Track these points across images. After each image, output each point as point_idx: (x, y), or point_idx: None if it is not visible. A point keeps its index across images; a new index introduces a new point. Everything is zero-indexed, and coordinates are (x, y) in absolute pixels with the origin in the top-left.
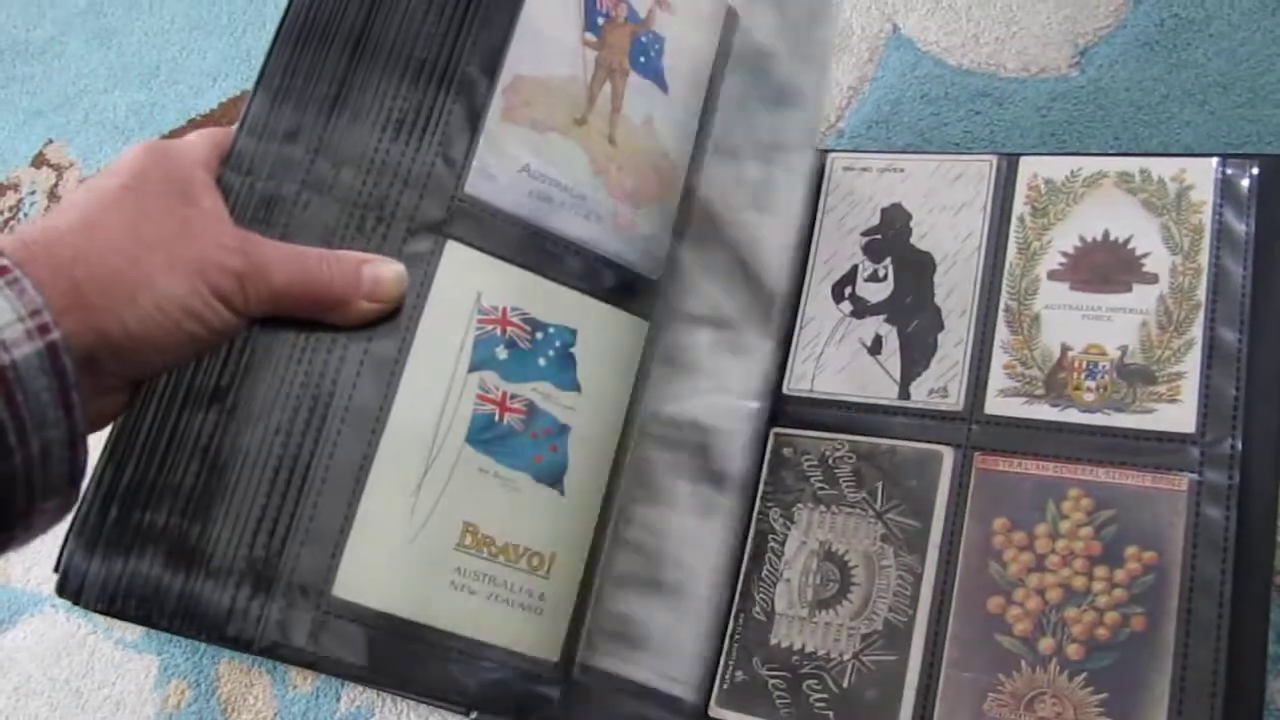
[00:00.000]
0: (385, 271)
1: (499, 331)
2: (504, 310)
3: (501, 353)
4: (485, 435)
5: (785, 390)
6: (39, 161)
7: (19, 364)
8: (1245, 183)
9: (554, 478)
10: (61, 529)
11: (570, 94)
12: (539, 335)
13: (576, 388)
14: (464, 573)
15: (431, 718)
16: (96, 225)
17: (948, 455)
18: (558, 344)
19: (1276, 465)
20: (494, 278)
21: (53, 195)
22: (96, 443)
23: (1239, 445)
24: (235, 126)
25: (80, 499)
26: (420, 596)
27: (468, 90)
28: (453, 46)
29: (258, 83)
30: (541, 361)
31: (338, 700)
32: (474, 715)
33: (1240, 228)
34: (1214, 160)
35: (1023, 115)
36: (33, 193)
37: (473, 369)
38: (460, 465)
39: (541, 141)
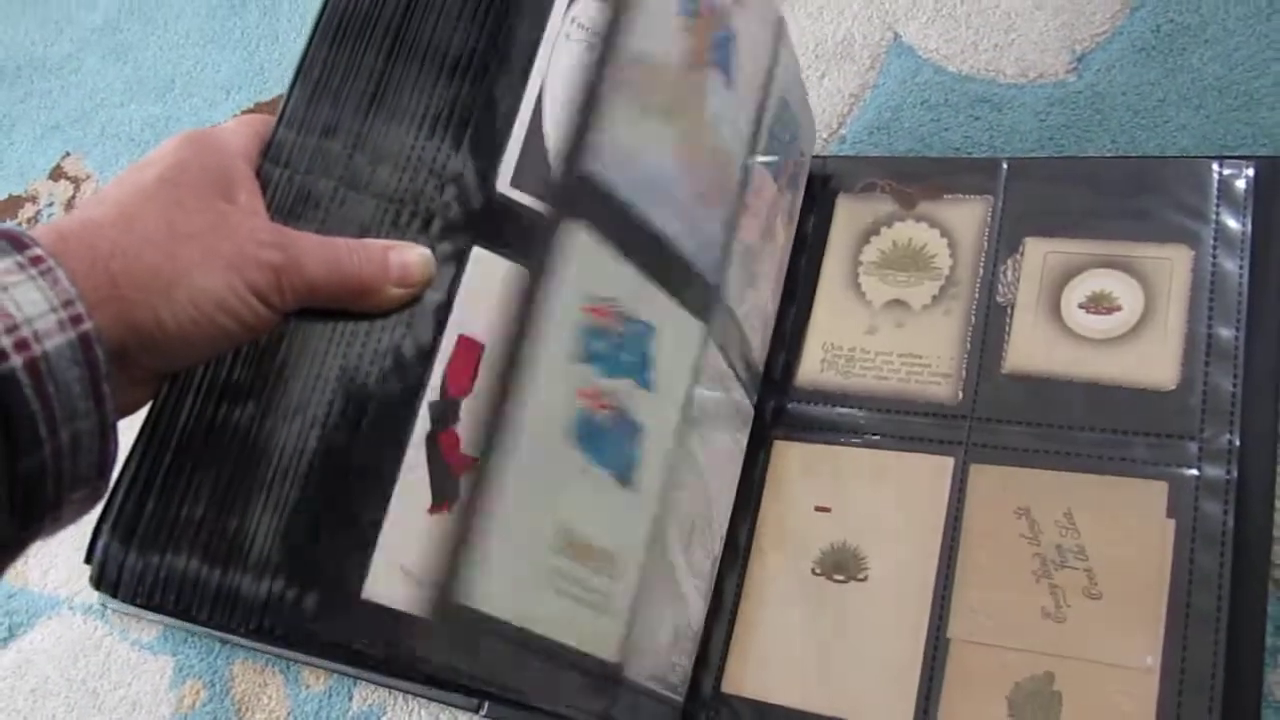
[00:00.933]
0: (411, 256)
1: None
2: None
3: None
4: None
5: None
6: (57, 174)
7: (50, 355)
8: (1241, 184)
9: (626, 476)
10: (81, 530)
11: (669, 81)
12: (625, 330)
13: (651, 387)
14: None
15: (442, 715)
16: (134, 218)
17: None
18: (639, 340)
19: (1273, 460)
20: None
21: (70, 207)
22: (128, 435)
23: (1237, 441)
24: (275, 117)
25: (114, 491)
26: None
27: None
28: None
29: (296, 75)
30: (627, 357)
31: (350, 699)
32: (484, 711)
33: (1237, 227)
34: (1211, 160)
35: (1021, 120)
36: (50, 205)
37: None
38: None
39: (645, 129)
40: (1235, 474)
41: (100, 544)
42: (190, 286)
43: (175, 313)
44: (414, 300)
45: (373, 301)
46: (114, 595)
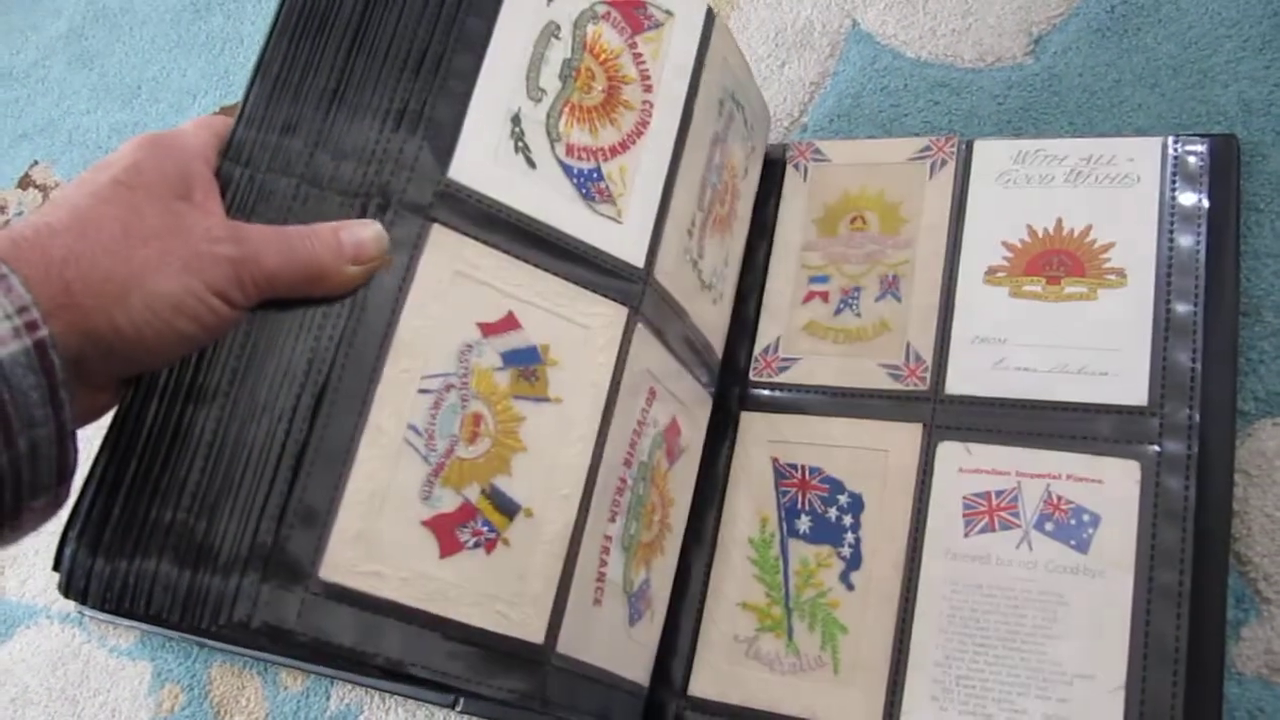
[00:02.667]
0: (363, 233)
1: None
2: None
3: None
4: None
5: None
6: (25, 183)
7: (4, 362)
8: (1196, 160)
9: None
10: (52, 536)
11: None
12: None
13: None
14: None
15: (418, 712)
16: (88, 223)
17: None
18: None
19: (1232, 435)
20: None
21: None
22: (96, 441)
23: (1197, 416)
24: (234, 118)
25: (80, 497)
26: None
27: None
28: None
29: (255, 73)
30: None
31: (327, 699)
32: (459, 708)
33: (1194, 203)
34: (1167, 138)
35: (980, 104)
36: (19, 213)
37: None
38: None
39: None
40: (1196, 449)
41: (67, 552)
42: (145, 291)
43: (131, 318)
44: (371, 278)
45: (332, 284)
46: (82, 602)
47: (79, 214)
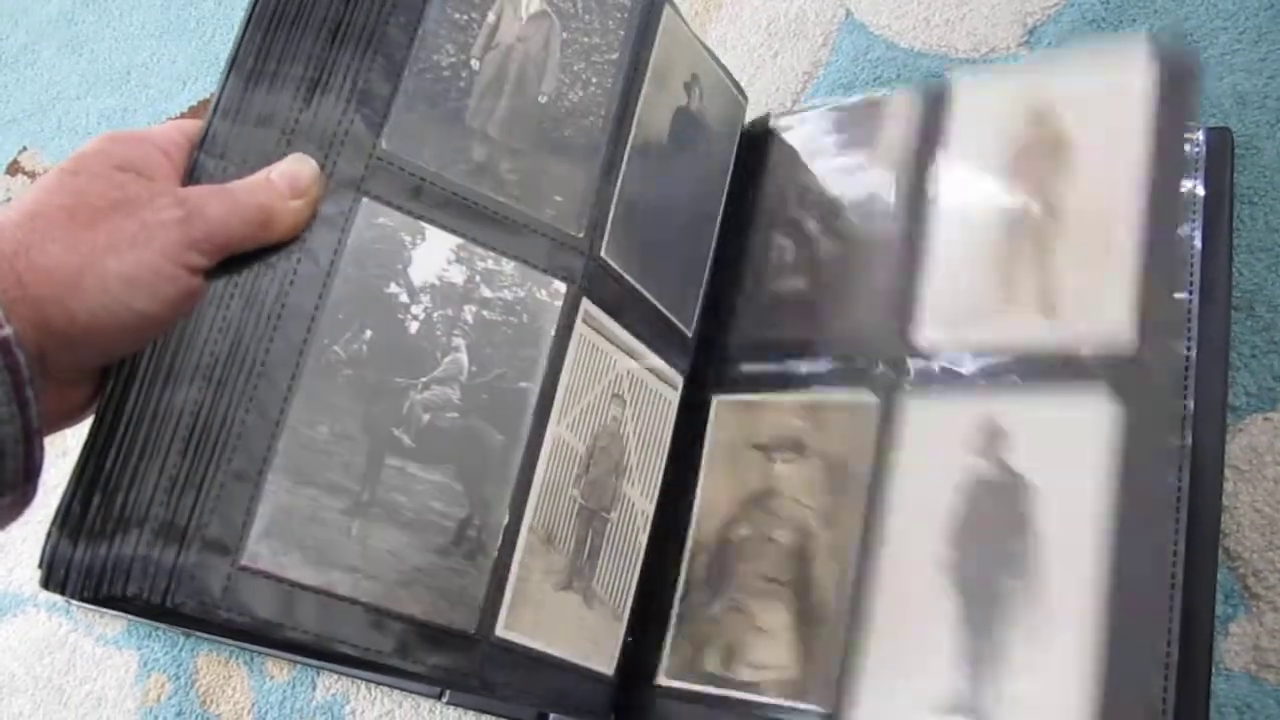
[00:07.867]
0: (293, 167)
1: None
2: None
3: None
4: None
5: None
6: (14, 169)
7: None
8: (1191, 148)
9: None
10: (40, 525)
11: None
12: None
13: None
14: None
15: (404, 702)
16: (37, 215)
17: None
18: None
19: (1224, 428)
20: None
21: None
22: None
23: (1191, 406)
24: (204, 119)
25: (65, 491)
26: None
27: None
28: None
29: (230, 63)
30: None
31: (313, 689)
32: (446, 698)
33: (1188, 190)
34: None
35: None
36: (8, 200)
37: None
38: None
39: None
40: (1189, 441)
41: (49, 544)
42: (98, 273)
43: (87, 304)
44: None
45: (282, 225)
46: (62, 592)
47: (27, 208)
